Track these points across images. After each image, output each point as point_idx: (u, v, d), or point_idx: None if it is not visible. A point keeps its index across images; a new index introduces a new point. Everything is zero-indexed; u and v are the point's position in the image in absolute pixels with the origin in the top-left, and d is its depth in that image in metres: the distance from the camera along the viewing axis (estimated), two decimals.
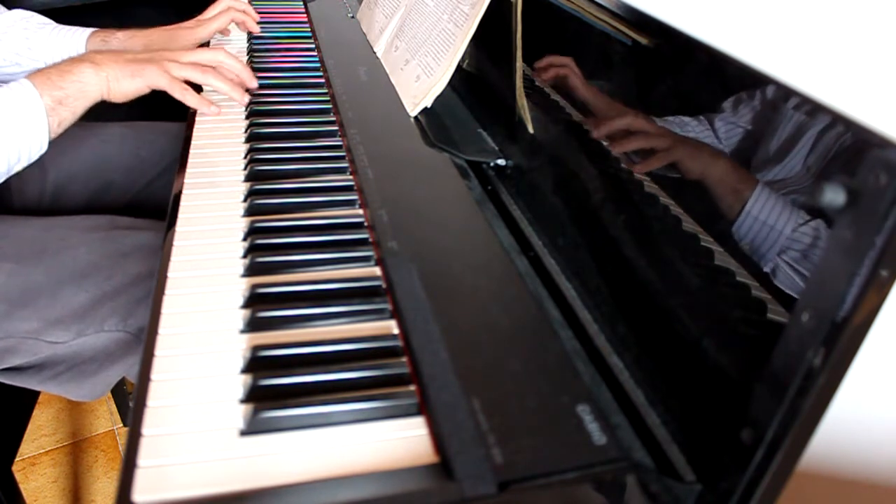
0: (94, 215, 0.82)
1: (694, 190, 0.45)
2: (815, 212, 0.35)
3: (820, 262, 0.32)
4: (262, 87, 0.81)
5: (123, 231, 0.78)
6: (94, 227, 0.78)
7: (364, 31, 0.98)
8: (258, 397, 0.40)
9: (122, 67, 0.70)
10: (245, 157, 0.67)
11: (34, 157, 0.67)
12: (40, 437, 1.26)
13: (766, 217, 0.38)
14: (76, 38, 0.85)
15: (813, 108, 0.35)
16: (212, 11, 0.93)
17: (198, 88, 0.76)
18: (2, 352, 0.70)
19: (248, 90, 0.79)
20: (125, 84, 0.70)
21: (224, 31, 0.98)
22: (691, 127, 0.44)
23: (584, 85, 0.59)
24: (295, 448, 0.38)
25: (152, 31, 0.87)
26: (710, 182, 0.43)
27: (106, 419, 1.30)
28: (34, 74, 0.67)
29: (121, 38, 0.86)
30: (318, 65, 0.89)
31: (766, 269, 0.38)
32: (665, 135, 0.47)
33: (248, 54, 0.94)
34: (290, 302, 0.48)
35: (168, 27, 0.89)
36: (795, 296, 0.34)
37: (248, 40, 1.02)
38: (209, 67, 0.75)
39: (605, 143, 0.54)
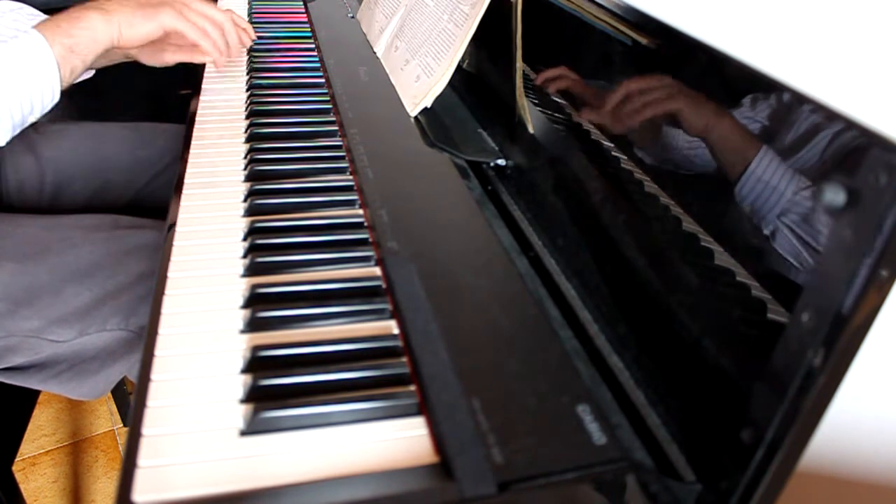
0: (97, 214, 0.82)
1: (694, 189, 0.45)
2: (818, 176, 0.34)
3: (820, 262, 0.32)
4: (262, 87, 0.82)
5: (126, 230, 0.78)
6: (97, 227, 0.78)
7: (364, 31, 0.98)
8: (258, 397, 0.40)
9: (133, 11, 0.70)
10: (245, 157, 0.67)
11: (47, 107, 0.67)
12: (40, 437, 1.26)
13: (769, 178, 0.38)
14: None
15: (814, 109, 0.35)
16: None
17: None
18: (3, 350, 0.70)
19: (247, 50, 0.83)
20: (138, 27, 0.70)
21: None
22: None
23: (584, 87, 0.58)
24: (295, 448, 0.38)
25: None
26: (714, 139, 0.42)
27: (106, 419, 1.30)
28: (42, 24, 0.66)
29: None
30: (318, 65, 0.89)
31: (766, 232, 0.37)
32: (669, 85, 0.46)
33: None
34: (290, 302, 0.48)
35: None
36: (794, 262, 0.34)
37: (250, 14, 1.03)
38: (218, 24, 0.76)
39: (608, 132, 0.54)
